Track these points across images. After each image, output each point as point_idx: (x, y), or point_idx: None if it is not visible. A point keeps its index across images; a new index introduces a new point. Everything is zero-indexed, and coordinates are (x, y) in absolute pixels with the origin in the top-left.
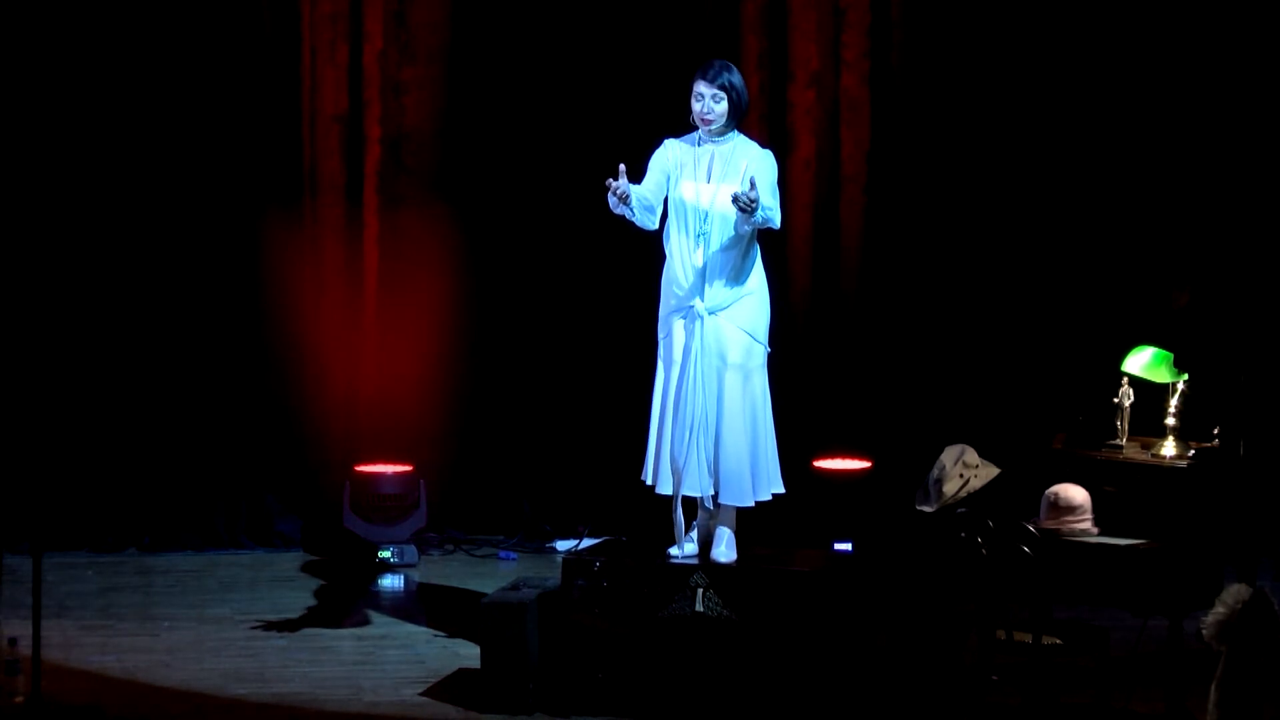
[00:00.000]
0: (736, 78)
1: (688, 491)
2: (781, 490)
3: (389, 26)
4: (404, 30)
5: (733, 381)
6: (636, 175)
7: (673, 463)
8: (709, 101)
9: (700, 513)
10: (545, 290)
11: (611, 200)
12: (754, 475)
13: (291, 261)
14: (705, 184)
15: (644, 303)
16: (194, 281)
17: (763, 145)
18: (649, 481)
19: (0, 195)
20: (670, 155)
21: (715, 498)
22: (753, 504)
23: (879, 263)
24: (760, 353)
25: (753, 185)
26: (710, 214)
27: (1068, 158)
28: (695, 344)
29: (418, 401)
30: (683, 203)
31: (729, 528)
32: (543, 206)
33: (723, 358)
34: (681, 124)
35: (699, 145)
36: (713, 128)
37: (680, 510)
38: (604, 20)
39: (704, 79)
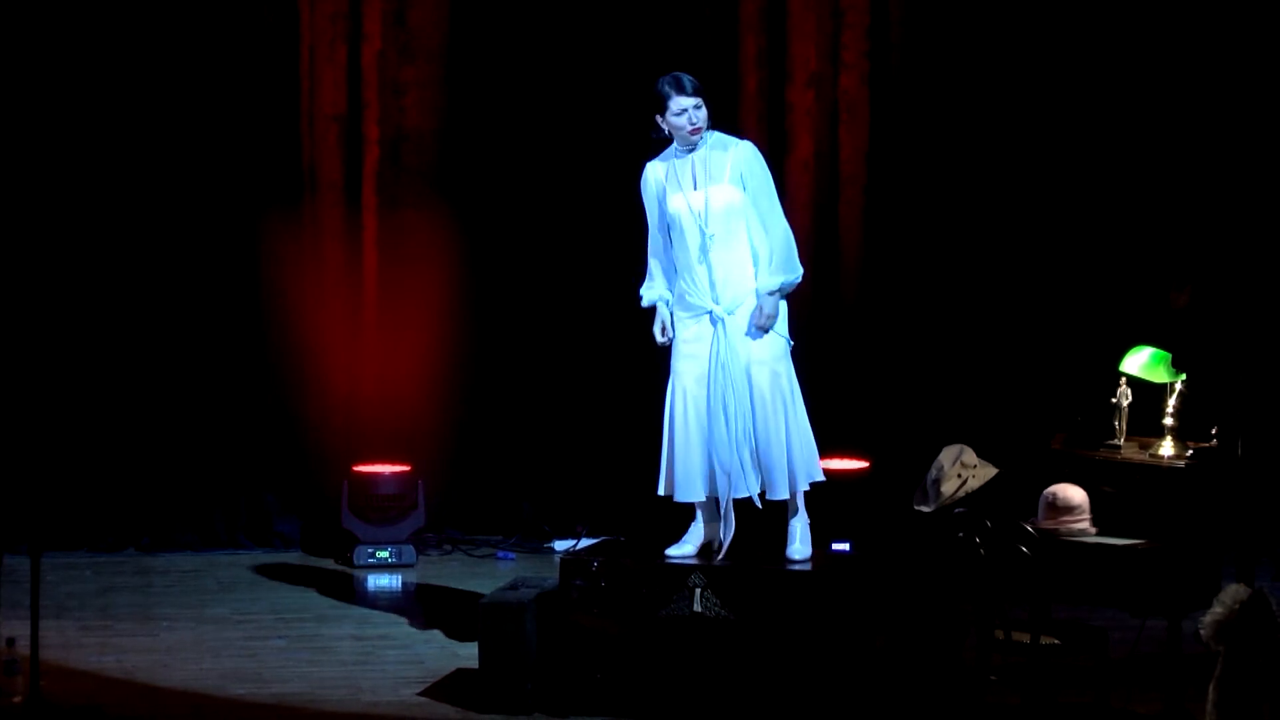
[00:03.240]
0: (695, 78)
1: (738, 494)
2: (821, 478)
3: (388, 27)
4: (403, 31)
5: (761, 377)
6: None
7: (720, 467)
8: (693, 112)
9: (701, 512)
10: (544, 291)
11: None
12: (794, 466)
13: (290, 261)
14: (694, 191)
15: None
16: (193, 281)
17: (762, 146)
18: (676, 496)
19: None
20: (653, 181)
21: (763, 495)
22: (803, 491)
23: (878, 263)
24: (783, 345)
25: (759, 314)
26: (706, 218)
27: (1067, 158)
28: (720, 347)
29: (416, 401)
30: (678, 216)
31: (801, 522)
32: (542, 207)
33: (749, 355)
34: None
35: (679, 158)
36: (701, 134)
37: (708, 514)
38: (603, 20)
39: (681, 94)
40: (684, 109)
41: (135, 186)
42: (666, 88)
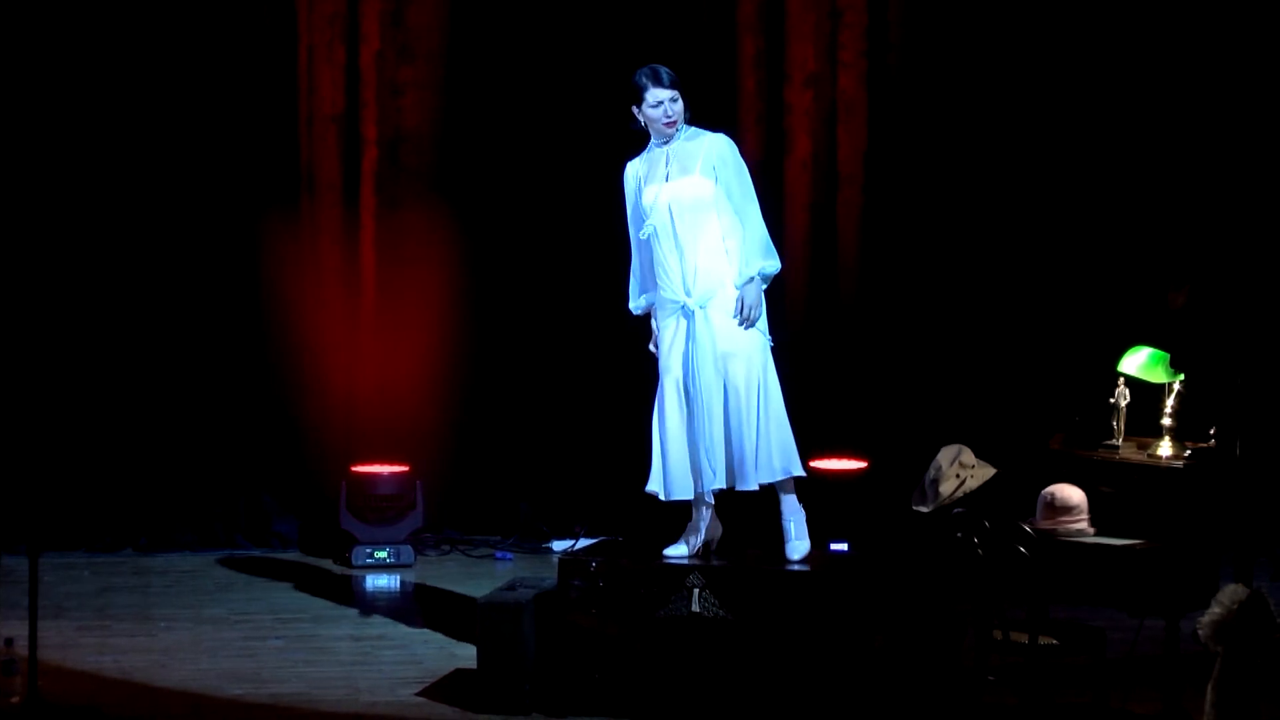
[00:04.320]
0: (672, 70)
1: (706, 487)
2: (801, 473)
3: (386, 27)
4: (401, 31)
5: (736, 369)
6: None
7: (692, 460)
8: (668, 105)
9: (696, 511)
10: (542, 291)
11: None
12: (770, 458)
13: (289, 262)
14: (664, 184)
15: None
16: (192, 281)
17: (761, 146)
18: (667, 494)
19: None
20: (633, 178)
21: (732, 488)
22: (787, 484)
23: (876, 263)
24: (760, 338)
25: (741, 306)
26: (674, 210)
27: (1065, 158)
28: (693, 341)
29: (415, 402)
30: (651, 209)
31: (795, 519)
32: (540, 207)
33: (720, 348)
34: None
35: (653, 152)
36: (677, 127)
37: (703, 509)
38: (601, 20)
39: (658, 86)
40: (660, 101)
41: (134, 187)
42: (643, 79)
